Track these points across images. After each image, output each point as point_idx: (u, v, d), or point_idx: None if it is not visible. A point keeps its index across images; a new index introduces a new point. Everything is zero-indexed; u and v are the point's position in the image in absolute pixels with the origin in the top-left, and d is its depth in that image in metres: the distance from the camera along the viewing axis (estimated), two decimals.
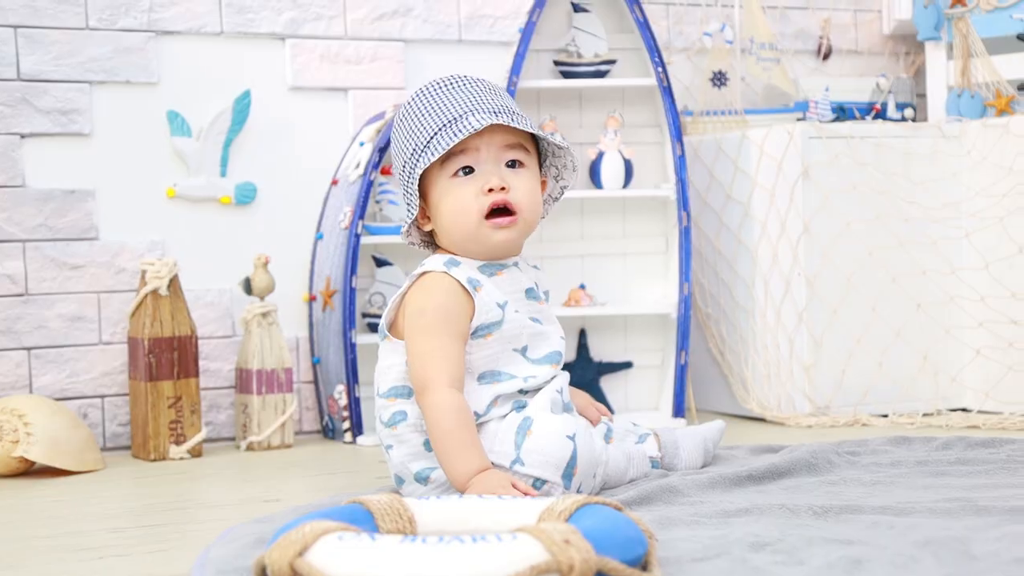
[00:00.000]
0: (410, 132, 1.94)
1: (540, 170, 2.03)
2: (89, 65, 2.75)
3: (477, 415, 1.90)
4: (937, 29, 3.19)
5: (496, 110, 1.91)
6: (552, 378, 1.97)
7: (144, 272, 2.65)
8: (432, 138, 1.90)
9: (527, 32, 2.91)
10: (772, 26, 3.32)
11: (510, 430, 1.87)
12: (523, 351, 1.95)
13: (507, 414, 1.91)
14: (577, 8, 3.02)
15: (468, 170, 1.93)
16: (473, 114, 1.90)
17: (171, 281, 2.65)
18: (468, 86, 1.95)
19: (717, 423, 2.22)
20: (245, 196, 2.87)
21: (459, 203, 1.92)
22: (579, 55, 3.00)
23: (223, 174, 2.85)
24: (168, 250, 2.81)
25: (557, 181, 2.06)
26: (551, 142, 1.99)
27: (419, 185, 1.95)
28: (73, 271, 2.73)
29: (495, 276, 1.96)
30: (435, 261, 1.95)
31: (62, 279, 2.72)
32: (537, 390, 1.95)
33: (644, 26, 2.96)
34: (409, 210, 1.96)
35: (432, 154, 1.89)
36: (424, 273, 1.94)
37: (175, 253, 2.81)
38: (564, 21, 3.04)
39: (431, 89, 1.96)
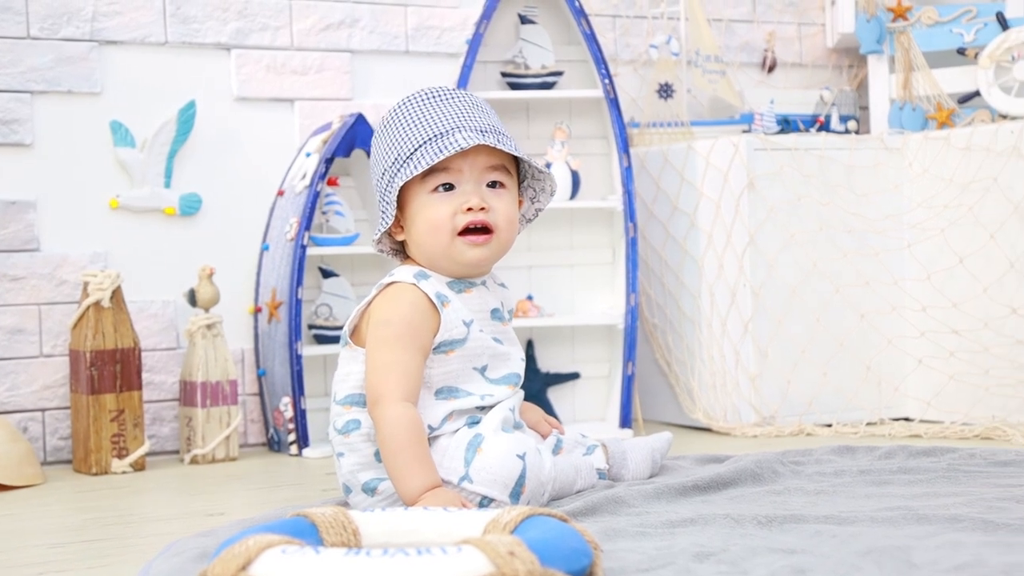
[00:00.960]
0: (393, 142, 1.93)
1: (519, 190, 2.02)
2: (30, 75, 2.72)
3: (431, 428, 1.89)
4: (879, 43, 3.23)
5: (483, 129, 1.90)
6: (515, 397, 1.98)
7: (86, 284, 2.63)
8: (416, 151, 1.89)
9: (474, 43, 2.91)
10: (718, 39, 3.34)
11: (460, 447, 1.86)
12: (482, 370, 1.94)
13: (459, 429, 1.90)
14: (524, 20, 3.02)
15: (448, 187, 1.91)
16: (460, 131, 1.89)
17: (114, 293, 2.63)
18: (456, 100, 1.94)
19: (664, 435, 2.23)
20: (190, 207, 2.85)
21: (435, 219, 1.91)
22: (526, 67, 3.01)
23: (167, 185, 2.84)
24: (111, 262, 2.78)
25: (533, 203, 2.05)
26: (533, 166, 1.98)
27: (397, 195, 1.94)
28: (13, 283, 2.70)
29: (463, 293, 1.95)
30: (405, 272, 1.93)
31: (2, 291, 2.69)
32: (493, 407, 1.95)
33: (591, 38, 2.97)
34: (384, 219, 1.94)
35: (415, 167, 1.88)
36: (392, 283, 1.93)
37: (118, 265, 2.78)
38: (511, 33, 3.05)
39: (418, 100, 1.94)
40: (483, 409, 1.94)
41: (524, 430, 1.99)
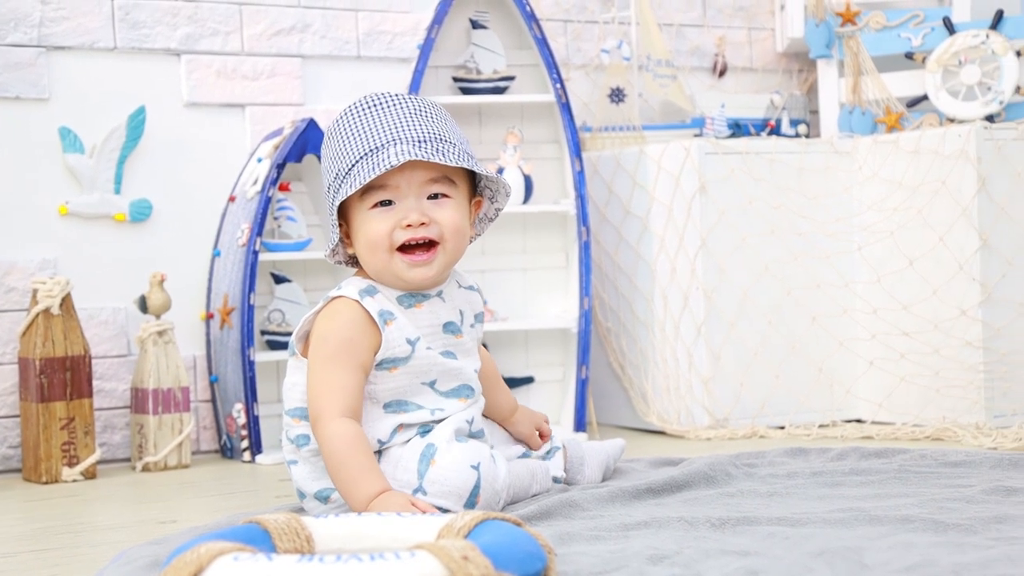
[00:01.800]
0: (334, 156, 1.88)
1: (475, 190, 1.97)
2: None
3: (380, 442, 1.87)
4: (828, 47, 3.25)
5: (422, 139, 1.84)
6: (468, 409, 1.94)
7: (35, 291, 2.61)
8: (353, 167, 1.84)
9: (426, 48, 2.91)
10: (668, 43, 3.36)
11: (413, 458, 1.84)
12: (431, 384, 1.91)
13: (411, 439, 1.88)
14: (476, 25, 3.02)
15: (387, 203, 1.86)
16: (396, 144, 1.83)
17: (63, 300, 2.60)
18: (395, 108, 1.87)
19: (618, 442, 2.23)
20: (140, 213, 2.84)
21: (373, 236, 1.86)
22: (478, 71, 3.01)
23: (117, 191, 2.82)
24: (60, 268, 2.76)
25: (492, 202, 1.99)
26: (479, 173, 1.92)
27: (345, 208, 1.91)
28: None
29: (413, 308, 1.91)
30: (351, 287, 1.89)
31: None
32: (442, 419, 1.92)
33: (542, 43, 2.98)
34: (332, 234, 1.92)
35: (351, 186, 1.83)
36: (336, 298, 1.89)
37: (68, 271, 2.76)
38: (463, 38, 3.05)
39: (358, 110, 1.89)
40: (435, 421, 1.91)
41: (484, 438, 1.97)
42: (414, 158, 1.82)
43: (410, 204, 1.86)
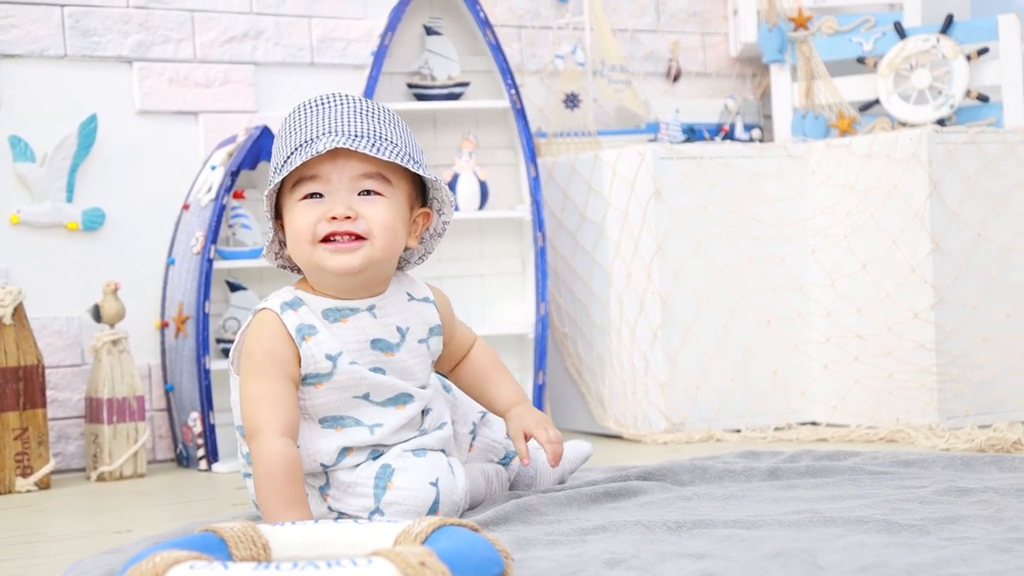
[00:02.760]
0: (274, 151, 1.86)
1: (424, 203, 1.91)
2: None
3: (324, 466, 1.83)
4: (781, 52, 3.27)
5: (359, 134, 1.79)
6: (410, 420, 1.88)
7: None
8: (287, 160, 1.80)
9: (380, 55, 2.91)
10: (622, 49, 3.37)
11: (367, 483, 1.81)
12: (365, 396, 1.85)
13: (361, 463, 1.84)
14: (429, 31, 3.02)
15: (318, 196, 1.81)
16: (328, 136, 1.78)
17: (15, 309, 2.58)
18: (339, 107, 1.83)
19: (583, 448, 2.19)
20: (93, 222, 2.82)
21: (297, 227, 1.81)
22: (432, 78, 3.01)
23: (69, 200, 2.80)
24: (12, 278, 2.74)
25: (440, 215, 1.93)
26: (427, 178, 1.86)
27: (282, 205, 1.86)
28: None
29: (338, 323, 1.84)
30: (276, 298, 1.85)
31: None
32: (391, 444, 1.86)
33: (496, 48, 2.98)
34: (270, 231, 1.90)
35: (279, 176, 1.80)
36: (260, 310, 1.85)
37: (20, 281, 2.74)
38: (417, 44, 3.05)
39: (304, 106, 1.85)
40: (383, 446, 1.86)
41: (442, 429, 1.92)
42: (342, 146, 1.77)
43: (340, 197, 1.80)
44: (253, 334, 1.83)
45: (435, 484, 1.81)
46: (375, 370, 1.85)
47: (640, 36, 3.48)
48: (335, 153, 1.80)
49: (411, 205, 1.89)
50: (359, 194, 1.81)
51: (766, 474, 2.11)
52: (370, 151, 1.78)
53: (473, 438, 2.05)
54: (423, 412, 1.92)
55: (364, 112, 1.84)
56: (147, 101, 2.88)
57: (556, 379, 3.15)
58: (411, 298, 1.93)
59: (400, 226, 1.85)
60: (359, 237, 1.80)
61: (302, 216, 1.81)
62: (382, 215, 1.81)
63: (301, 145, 1.80)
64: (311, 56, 3.05)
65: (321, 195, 1.81)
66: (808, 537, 1.57)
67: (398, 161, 1.80)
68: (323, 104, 1.84)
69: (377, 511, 1.80)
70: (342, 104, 1.84)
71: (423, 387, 1.91)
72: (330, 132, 1.80)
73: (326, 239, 1.80)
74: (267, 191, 1.84)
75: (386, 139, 1.82)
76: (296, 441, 1.79)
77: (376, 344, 1.86)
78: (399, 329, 1.89)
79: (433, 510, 1.80)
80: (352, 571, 1.26)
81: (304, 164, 1.80)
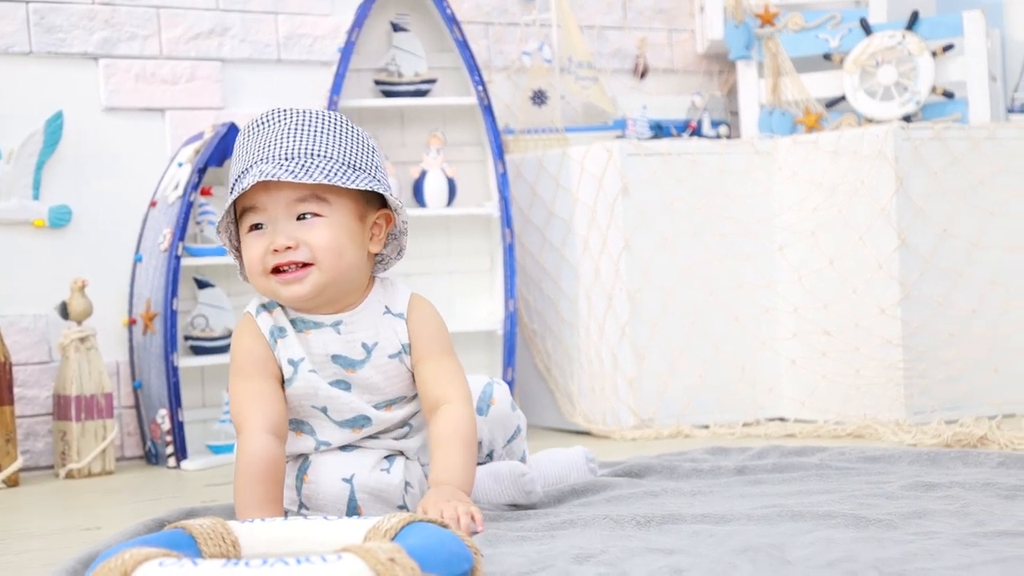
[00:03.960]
0: (229, 176, 1.87)
1: (384, 203, 1.86)
2: None
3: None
4: (748, 48, 3.29)
5: (289, 155, 1.75)
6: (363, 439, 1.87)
7: None
8: (231, 191, 1.80)
9: (346, 52, 2.90)
10: (589, 45, 3.37)
11: (291, 474, 1.84)
12: (323, 411, 1.86)
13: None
14: (396, 28, 3.02)
15: (260, 226, 1.79)
16: (257, 164, 1.76)
17: None
18: (274, 126, 1.79)
19: (578, 453, 2.14)
20: (60, 219, 2.80)
21: (248, 260, 1.81)
22: (399, 74, 3.00)
23: (36, 197, 2.78)
24: None
25: (398, 214, 1.87)
26: (341, 186, 1.79)
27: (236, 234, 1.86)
28: None
29: (303, 334, 1.85)
30: (255, 301, 1.88)
31: None
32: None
33: (463, 45, 2.98)
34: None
35: (223, 212, 1.81)
36: (245, 312, 1.88)
37: None
38: (384, 41, 3.04)
39: (245, 129, 1.83)
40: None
41: (414, 449, 1.91)
42: (263, 178, 1.74)
43: (279, 227, 1.78)
44: (236, 335, 1.88)
45: (348, 481, 1.81)
46: (336, 383, 1.85)
47: (607, 33, 3.48)
48: (267, 182, 1.77)
49: (361, 214, 1.84)
50: (298, 218, 1.78)
51: (734, 471, 2.12)
52: (297, 176, 1.74)
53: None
54: (407, 426, 1.91)
55: (301, 129, 1.79)
56: (113, 98, 2.87)
57: (525, 376, 3.15)
58: (387, 311, 1.89)
59: (347, 241, 1.81)
60: (305, 264, 1.78)
61: (250, 249, 1.80)
62: (323, 238, 1.78)
63: (239, 176, 1.79)
64: (278, 52, 3.04)
65: (262, 225, 1.79)
66: (776, 532, 1.58)
67: (324, 181, 1.75)
68: (262, 125, 1.81)
69: (303, 505, 1.83)
70: (279, 123, 1.80)
71: (392, 402, 1.89)
72: (262, 159, 1.77)
73: (275, 270, 1.79)
74: (218, 225, 1.83)
75: (319, 155, 1.77)
76: (282, 437, 1.81)
77: (336, 360, 1.85)
78: (364, 345, 1.86)
79: (352, 505, 1.80)
80: (322, 567, 1.26)
81: (242, 196, 1.79)
